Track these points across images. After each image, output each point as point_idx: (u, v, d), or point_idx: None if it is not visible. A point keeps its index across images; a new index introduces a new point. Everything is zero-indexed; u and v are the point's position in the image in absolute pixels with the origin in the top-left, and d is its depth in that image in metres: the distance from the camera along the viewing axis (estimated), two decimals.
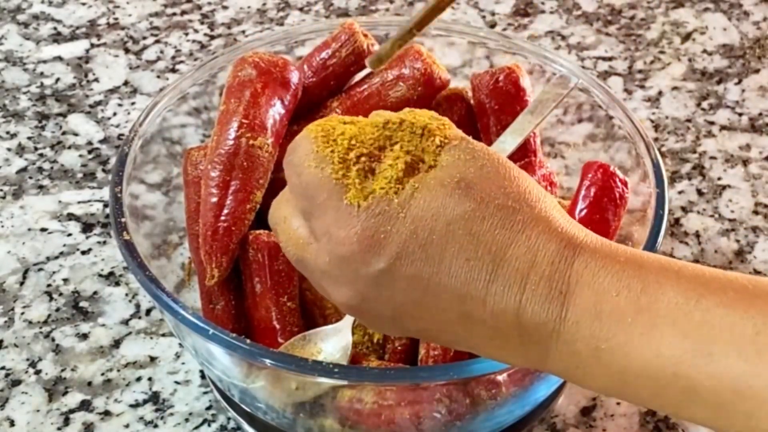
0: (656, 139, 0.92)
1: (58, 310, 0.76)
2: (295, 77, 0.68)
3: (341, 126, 0.50)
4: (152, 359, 0.73)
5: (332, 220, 0.47)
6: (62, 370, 0.72)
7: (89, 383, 0.71)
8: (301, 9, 1.08)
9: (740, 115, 0.95)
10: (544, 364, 0.46)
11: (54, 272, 0.79)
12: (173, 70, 0.99)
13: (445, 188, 0.46)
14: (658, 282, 0.44)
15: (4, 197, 0.86)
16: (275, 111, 0.66)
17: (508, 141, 0.68)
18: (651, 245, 0.61)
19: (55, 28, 1.05)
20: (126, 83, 0.98)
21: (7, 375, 0.72)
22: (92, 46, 1.03)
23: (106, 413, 0.69)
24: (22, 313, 0.76)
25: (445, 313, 0.46)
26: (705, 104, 0.96)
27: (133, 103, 0.95)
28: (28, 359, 0.73)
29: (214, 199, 0.64)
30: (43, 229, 0.83)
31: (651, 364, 0.43)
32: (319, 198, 0.48)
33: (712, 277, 0.44)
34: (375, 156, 0.49)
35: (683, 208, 0.85)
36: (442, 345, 0.59)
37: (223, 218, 0.63)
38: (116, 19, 1.06)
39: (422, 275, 0.46)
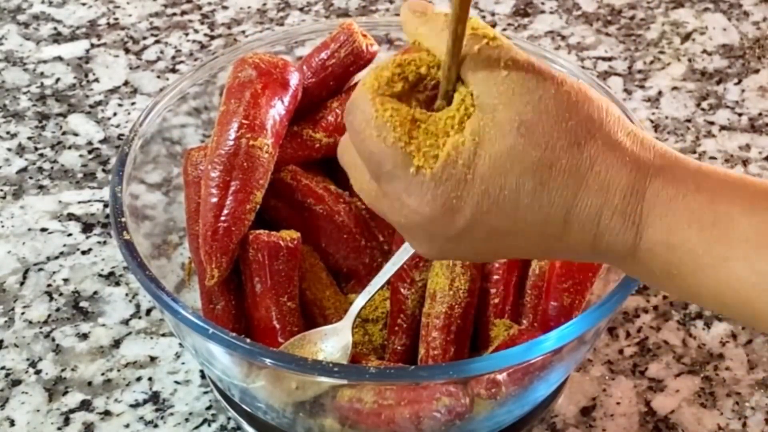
0: (656, 139, 0.92)
1: (58, 310, 0.76)
2: (295, 78, 0.68)
3: (395, 69, 0.48)
4: (152, 359, 0.73)
5: (402, 188, 0.47)
6: (62, 370, 0.72)
7: (89, 383, 0.71)
8: (301, 9, 1.08)
9: (740, 115, 0.95)
10: (624, 266, 0.49)
11: (54, 272, 0.79)
12: (173, 70, 0.99)
13: (507, 138, 0.45)
14: (729, 214, 0.45)
15: (4, 197, 0.86)
16: (275, 112, 0.66)
17: None
18: None
19: (55, 29, 1.05)
20: (126, 83, 0.98)
21: (7, 375, 0.72)
22: (92, 46, 1.03)
23: (106, 413, 0.69)
24: (23, 313, 0.76)
25: (524, 251, 0.50)
26: (705, 104, 0.96)
27: (133, 103, 0.95)
28: (28, 359, 0.73)
29: (214, 200, 0.64)
30: (43, 229, 0.83)
31: (720, 292, 0.45)
32: (385, 166, 0.47)
33: None
34: (431, 86, 0.48)
35: None
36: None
37: (223, 218, 0.63)
38: (116, 19, 1.06)
39: (499, 228, 0.47)
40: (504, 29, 1.05)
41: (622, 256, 0.47)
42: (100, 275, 0.79)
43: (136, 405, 0.70)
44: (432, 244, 0.49)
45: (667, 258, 0.46)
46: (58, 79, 0.98)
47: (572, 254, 0.49)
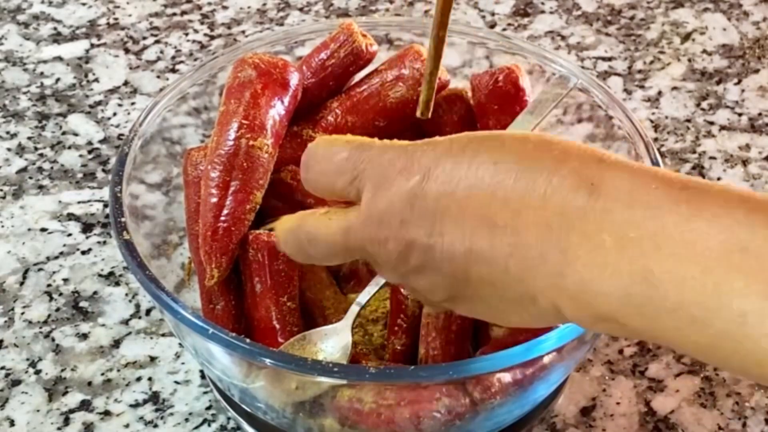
0: (656, 139, 0.92)
1: (58, 310, 0.76)
2: (294, 78, 0.68)
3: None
4: (152, 359, 0.73)
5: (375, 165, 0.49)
6: (62, 370, 0.72)
7: (89, 383, 0.71)
8: (301, 9, 1.08)
9: (740, 115, 0.95)
10: (563, 271, 0.43)
11: (54, 272, 0.79)
12: (173, 70, 0.99)
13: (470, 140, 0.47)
14: (700, 189, 0.41)
15: (4, 197, 0.86)
16: (275, 112, 0.66)
17: None
18: None
19: (55, 28, 1.05)
20: (126, 83, 0.98)
21: (7, 375, 0.72)
22: (92, 46, 1.03)
23: (106, 413, 0.69)
24: (22, 313, 0.76)
25: (480, 209, 0.45)
26: (705, 104, 0.96)
27: (133, 103, 0.95)
28: (28, 359, 0.73)
29: (214, 200, 0.64)
30: (43, 229, 0.83)
31: (680, 256, 0.39)
32: (359, 157, 0.50)
33: (763, 199, 0.40)
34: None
35: None
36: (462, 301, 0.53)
37: (222, 218, 0.63)
38: (116, 19, 1.06)
39: (451, 180, 0.46)
40: (504, 29, 1.05)
41: (569, 223, 0.42)
42: (100, 275, 0.79)
43: (136, 405, 0.70)
44: (392, 225, 0.48)
45: (623, 217, 0.41)
46: (58, 79, 0.98)
47: (512, 237, 0.44)
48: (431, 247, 0.47)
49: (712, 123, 0.94)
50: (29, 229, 0.83)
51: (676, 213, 0.40)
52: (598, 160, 0.44)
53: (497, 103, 0.69)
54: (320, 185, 0.53)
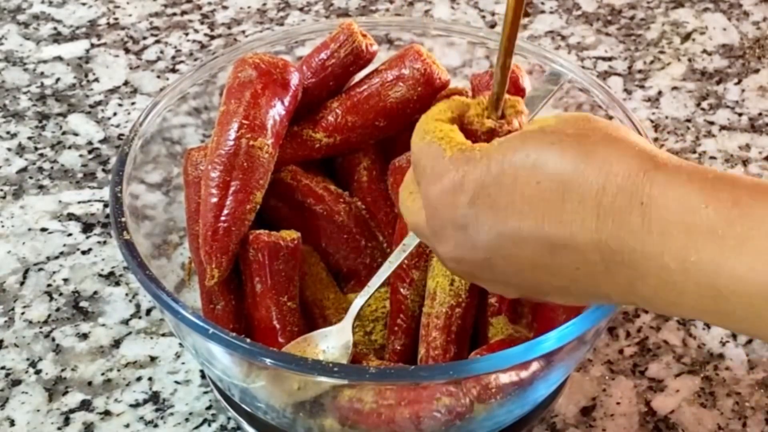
0: (656, 139, 0.92)
1: (58, 310, 0.76)
2: (295, 78, 0.68)
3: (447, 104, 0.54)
4: (152, 359, 0.73)
5: (429, 176, 0.51)
6: (62, 370, 0.72)
7: (89, 383, 0.71)
8: (301, 9, 1.08)
9: (740, 115, 0.95)
10: (634, 287, 0.45)
11: (54, 272, 0.79)
12: (173, 70, 0.99)
13: (526, 133, 0.48)
14: (751, 196, 0.42)
15: (4, 197, 0.86)
16: (275, 112, 0.66)
17: None
18: None
19: (55, 28, 1.05)
20: (126, 83, 0.98)
21: (7, 375, 0.72)
22: (92, 46, 1.03)
23: (106, 413, 0.69)
24: (23, 313, 0.76)
25: (532, 244, 0.47)
26: (705, 104, 0.96)
27: (133, 103, 0.95)
28: (28, 359, 0.73)
29: (214, 200, 0.64)
30: (43, 229, 0.83)
31: (744, 278, 0.41)
32: (421, 162, 0.51)
33: None
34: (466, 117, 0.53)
35: None
36: (536, 294, 0.53)
37: (223, 218, 0.63)
38: (116, 19, 1.06)
39: (500, 205, 0.47)
40: None
41: (629, 249, 0.44)
42: (100, 275, 0.79)
43: (136, 405, 0.70)
44: (446, 235, 0.50)
45: (682, 243, 0.42)
46: (58, 79, 0.98)
47: (575, 255, 0.46)
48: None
49: (712, 123, 0.94)
50: (29, 229, 0.83)
51: (731, 237, 0.41)
52: (645, 170, 0.44)
53: None
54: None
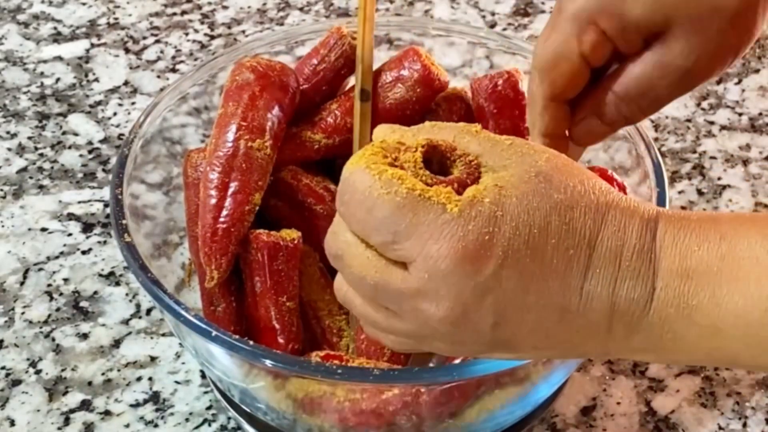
0: (656, 139, 0.92)
1: (58, 309, 0.76)
2: (292, 81, 0.68)
3: (379, 147, 0.47)
4: (152, 359, 0.73)
5: (427, 236, 0.44)
6: (62, 370, 0.72)
7: (89, 383, 0.71)
8: (301, 9, 1.08)
9: (740, 115, 0.95)
10: (629, 343, 0.45)
11: (54, 272, 0.79)
12: (173, 70, 0.99)
13: (529, 183, 0.45)
14: (734, 229, 0.44)
15: (4, 197, 0.86)
16: (273, 114, 0.66)
17: None
18: None
19: (55, 28, 1.05)
20: (126, 83, 0.98)
21: (7, 375, 0.72)
22: (92, 46, 1.03)
23: (107, 413, 0.69)
24: (23, 313, 0.76)
25: (545, 311, 0.45)
26: (705, 104, 0.96)
27: (133, 103, 0.95)
28: (28, 359, 0.73)
29: (213, 201, 0.64)
30: (43, 229, 0.83)
31: (742, 308, 0.43)
32: (403, 222, 0.44)
33: None
34: (435, 160, 0.47)
35: (683, 208, 0.85)
36: (519, 356, 0.51)
37: (222, 220, 0.63)
38: (116, 19, 1.06)
39: (528, 272, 0.44)
40: (504, 29, 1.05)
41: (639, 308, 0.44)
42: (100, 275, 0.79)
43: (136, 405, 0.70)
44: (456, 298, 0.44)
45: (683, 289, 0.44)
46: (58, 79, 0.98)
47: (582, 319, 0.45)
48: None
49: (712, 123, 0.94)
50: (29, 229, 0.83)
51: (726, 272, 0.43)
52: (650, 228, 0.45)
53: (497, 107, 0.69)
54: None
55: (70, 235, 0.82)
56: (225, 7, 1.08)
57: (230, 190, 0.64)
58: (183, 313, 0.56)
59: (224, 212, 0.64)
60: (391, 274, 0.46)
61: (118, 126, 0.93)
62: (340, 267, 0.48)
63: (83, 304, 0.77)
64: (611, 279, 0.44)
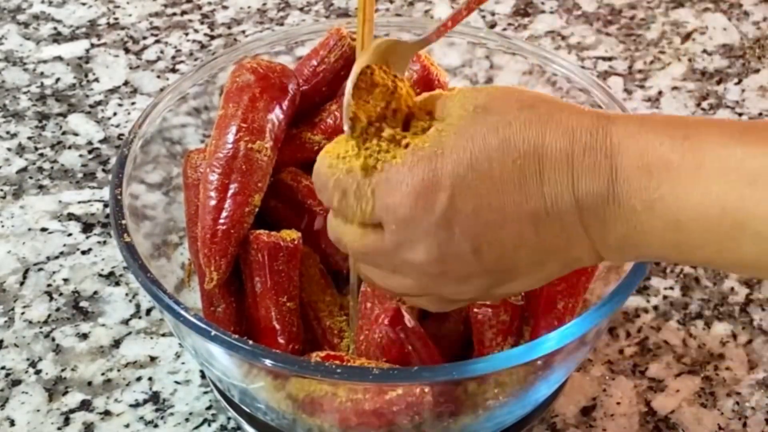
0: None
1: (58, 310, 0.76)
2: (292, 82, 0.68)
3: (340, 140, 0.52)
4: (152, 359, 0.73)
5: (384, 193, 0.49)
6: (62, 370, 0.72)
7: (89, 383, 0.71)
8: (301, 9, 1.08)
9: (740, 115, 0.95)
10: (604, 240, 0.47)
11: (54, 272, 0.79)
12: (173, 70, 0.99)
13: (465, 117, 0.48)
14: (699, 129, 0.45)
15: (4, 197, 0.86)
16: (274, 115, 0.66)
17: None
18: None
19: (55, 28, 1.05)
20: (126, 83, 0.98)
21: (7, 375, 0.72)
22: (92, 46, 1.03)
23: (107, 413, 0.69)
24: (23, 313, 0.76)
25: (517, 223, 0.48)
26: (705, 104, 0.96)
27: (133, 103, 0.95)
28: (28, 359, 0.73)
29: (213, 202, 0.64)
30: (43, 229, 0.83)
31: (701, 203, 0.44)
32: (362, 187, 0.49)
33: (750, 124, 0.46)
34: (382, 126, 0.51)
35: None
36: (525, 280, 0.53)
37: (221, 221, 0.63)
38: (116, 19, 1.06)
39: (481, 192, 0.47)
40: (504, 29, 1.05)
41: (603, 201, 0.46)
42: (100, 275, 0.79)
43: (136, 405, 0.70)
44: (426, 239, 0.48)
45: (644, 182, 0.45)
46: (58, 79, 0.98)
47: (556, 223, 0.47)
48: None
49: None
50: (29, 229, 0.83)
51: (686, 168, 0.44)
52: (602, 125, 0.47)
53: None
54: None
55: (70, 235, 0.82)
56: (225, 7, 1.08)
57: (230, 192, 0.64)
58: (183, 313, 0.56)
59: (224, 214, 0.64)
60: (372, 239, 0.50)
61: (118, 126, 0.93)
62: (342, 248, 0.53)
63: (83, 304, 0.77)
64: (568, 177, 0.47)
